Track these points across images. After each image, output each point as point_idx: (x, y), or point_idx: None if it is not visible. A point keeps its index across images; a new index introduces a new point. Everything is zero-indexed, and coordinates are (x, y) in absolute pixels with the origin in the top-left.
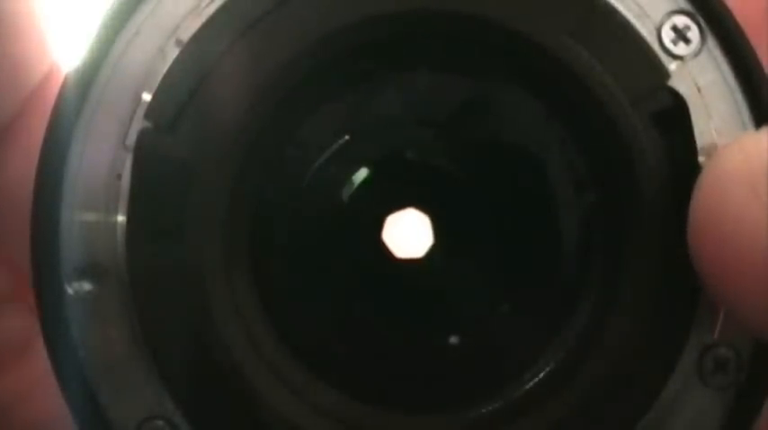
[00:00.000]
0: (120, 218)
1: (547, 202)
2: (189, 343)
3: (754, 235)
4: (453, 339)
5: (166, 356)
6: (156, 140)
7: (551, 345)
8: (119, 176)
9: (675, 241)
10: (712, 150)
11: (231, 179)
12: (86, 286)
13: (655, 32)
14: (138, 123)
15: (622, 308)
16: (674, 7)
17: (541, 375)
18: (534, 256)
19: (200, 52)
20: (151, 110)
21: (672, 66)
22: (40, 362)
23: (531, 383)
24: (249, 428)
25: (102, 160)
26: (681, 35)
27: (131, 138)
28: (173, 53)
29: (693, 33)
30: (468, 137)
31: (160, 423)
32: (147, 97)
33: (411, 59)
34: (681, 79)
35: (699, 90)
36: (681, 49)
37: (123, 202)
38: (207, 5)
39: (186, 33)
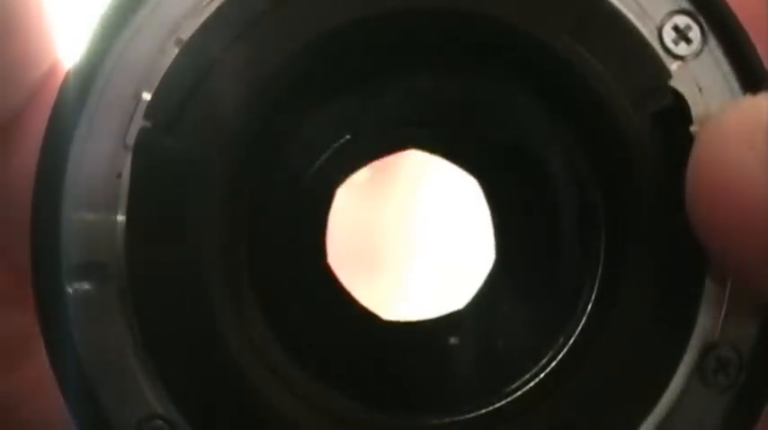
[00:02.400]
0: (120, 217)
1: (547, 202)
2: (188, 342)
3: (752, 189)
4: (453, 339)
5: (166, 356)
6: (156, 140)
7: (552, 345)
8: (119, 175)
9: (677, 240)
10: None
11: (230, 178)
12: (86, 285)
13: (656, 32)
14: (139, 122)
15: (623, 308)
16: (675, 7)
17: (542, 375)
18: (534, 256)
19: (199, 51)
20: (150, 109)
21: (673, 66)
22: (39, 362)
23: (532, 383)
24: (249, 428)
25: (102, 159)
26: (682, 35)
27: (131, 137)
28: (173, 52)
29: (695, 33)
30: (469, 136)
31: (160, 423)
32: (146, 96)
33: (411, 59)
34: (682, 79)
35: (700, 90)
36: (682, 49)
37: (123, 201)
38: (207, 4)
39: (186, 32)
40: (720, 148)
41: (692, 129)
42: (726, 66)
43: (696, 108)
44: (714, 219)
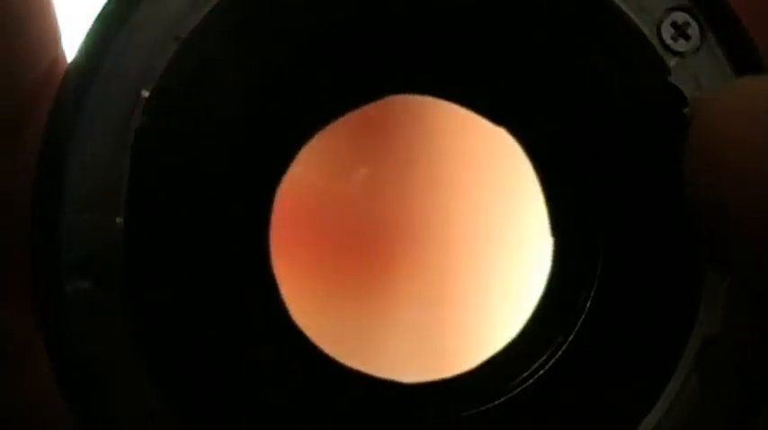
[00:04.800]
0: (120, 216)
1: (548, 199)
2: (188, 342)
3: (755, 167)
4: None
5: (166, 355)
6: (155, 138)
7: (550, 345)
8: (119, 175)
9: (676, 236)
10: None
11: (230, 178)
12: (86, 284)
13: (654, 29)
14: (138, 120)
15: (622, 305)
16: (674, 3)
17: (541, 373)
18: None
19: (198, 49)
20: (149, 107)
21: (672, 62)
22: (39, 361)
23: (532, 381)
24: (249, 426)
25: (101, 158)
26: (681, 31)
27: (131, 136)
28: (171, 50)
29: (693, 29)
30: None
31: (159, 422)
32: (145, 94)
33: (413, 57)
34: (681, 75)
35: (699, 86)
36: (681, 45)
37: (123, 200)
38: (206, 2)
39: (185, 30)
40: (720, 128)
41: (686, 111)
42: (724, 62)
43: None
44: (715, 202)
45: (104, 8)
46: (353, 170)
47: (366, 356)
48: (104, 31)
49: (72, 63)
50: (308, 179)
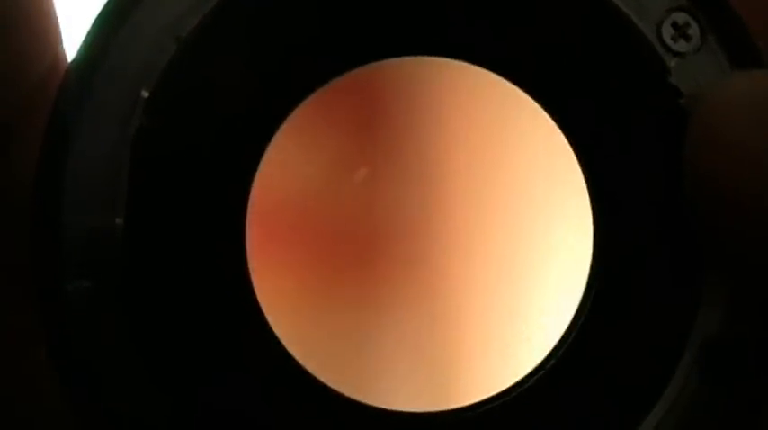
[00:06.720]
0: (120, 215)
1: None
2: (187, 343)
3: (761, 168)
4: None
5: (165, 356)
6: (155, 138)
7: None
8: (119, 175)
9: (679, 235)
10: None
11: (232, 178)
12: (85, 285)
13: (654, 29)
14: (138, 121)
15: (623, 307)
16: (674, 4)
17: (541, 373)
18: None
19: (199, 49)
20: (149, 107)
21: (672, 63)
22: (38, 361)
23: (531, 382)
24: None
25: (101, 158)
26: (681, 32)
27: (131, 136)
28: (171, 50)
29: (693, 30)
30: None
31: (159, 421)
32: (146, 94)
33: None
34: (681, 76)
35: (699, 87)
36: (681, 45)
37: (123, 200)
38: (206, 1)
39: (185, 30)
40: (720, 122)
41: (682, 101)
42: (725, 62)
43: None
44: (715, 197)
45: (105, 7)
46: (349, 163)
47: (361, 383)
48: (105, 31)
49: (72, 62)
50: (300, 173)
